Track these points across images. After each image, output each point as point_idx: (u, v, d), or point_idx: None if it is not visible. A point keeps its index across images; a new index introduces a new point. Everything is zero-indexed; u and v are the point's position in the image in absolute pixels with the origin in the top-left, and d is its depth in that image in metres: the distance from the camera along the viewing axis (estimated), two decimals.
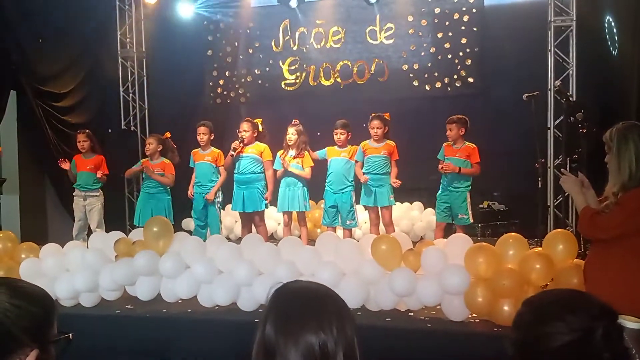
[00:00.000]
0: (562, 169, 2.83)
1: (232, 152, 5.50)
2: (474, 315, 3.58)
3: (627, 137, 2.52)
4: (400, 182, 5.47)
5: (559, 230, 3.97)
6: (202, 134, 5.70)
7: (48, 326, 1.19)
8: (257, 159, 5.57)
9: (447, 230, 5.56)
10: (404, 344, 3.45)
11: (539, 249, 3.64)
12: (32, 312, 1.15)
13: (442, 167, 5.33)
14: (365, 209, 5.96)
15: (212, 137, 5.76)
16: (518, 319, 1.14)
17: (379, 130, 5.48)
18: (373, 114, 5.58)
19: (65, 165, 5.97)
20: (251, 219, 5.68)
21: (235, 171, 5.61)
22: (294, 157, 5.56)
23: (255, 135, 5.62)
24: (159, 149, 5.83)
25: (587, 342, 1.02)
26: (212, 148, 5.77)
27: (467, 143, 5.39)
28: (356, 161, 5.56)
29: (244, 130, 5.55)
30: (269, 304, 1.11)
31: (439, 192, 5.50)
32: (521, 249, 3.58)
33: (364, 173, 5.51)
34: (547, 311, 1.09)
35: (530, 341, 1.08)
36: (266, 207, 5.68)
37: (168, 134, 6.00)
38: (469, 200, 5.39)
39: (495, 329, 3.40)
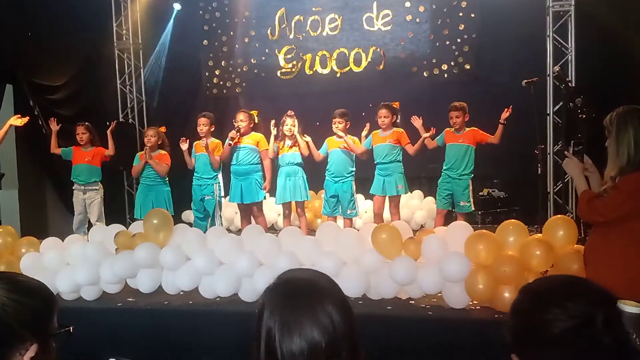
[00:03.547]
0: (565, 152, 2.83)
1: (230, 142, 5.48)
2: (474, 302, 3.59)
3: (626, 121, 2.52)
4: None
5: (559, 216, 3.97)
6: (203, 125, 5.67)
7: (48, 320, 1.18)
8: (254, 149, 5.57)
9: (448, 218, 5.57)
10: (405, 332, 3.46)
11: (539, 235, 3.64)
12: (31, 306, 1.15)
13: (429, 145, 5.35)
14: (366, 199, 5.97)
15: (212, 129, 5.72)
16: (516, 306, 1.13)
17: (385, 119, 5.47)
18: (382, 103, 5.56)
19: (53, 126, 6.11)
20: (250, 211, 5.68)
21: (233, 162, 5.59)
22: (290, 147, 5.54)
23: (252, 126, 5.61)
24: (159, 142, 5.82)
25: (587, 329, 1.00)
26: (212, 139, 5.74)
27: (468, 128, 5.39)
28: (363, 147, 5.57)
29: (241, 120, 5.53)
30: (266, 302, 1.09)
31: (441, 179, 5.50)
32: (521, 236, 3.58)
33: (375, 164, 5.54)
34: (545, 298, 1.07)
35: (528, 328, 1.07)
36: (264, 197, 5.67)
37: (163, 128, 5.98)
38: (471, 187, 5.40)
39: (496, 316, 3.40)
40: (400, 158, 5.55)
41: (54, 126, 6.13)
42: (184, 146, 5.67)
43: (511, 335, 1.11)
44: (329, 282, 1.14)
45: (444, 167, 5.48)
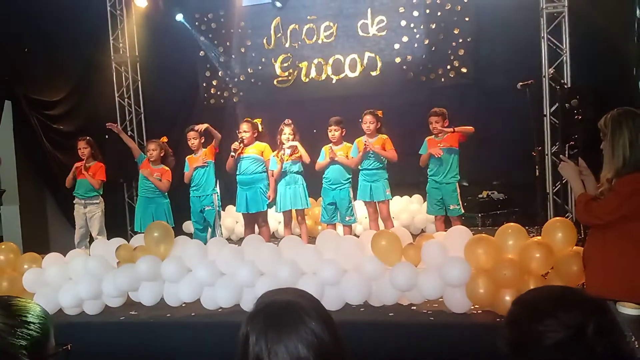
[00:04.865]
0: (560, 155, 2.84)
1: (233, 154, 5.50)
2: (476, 306, 3.60)
3: (621, 123, 2.53)
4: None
5: (558, 218, 3.98)
6: (193, 138, 5.68)
7: (45, 341, 1.19)
8: (258, 159, 5.59)
9: (448, 223, 5.57)
10: (407, 338, 3.47)
11: (538, 238, 3.64)
12: (27, 330, 1.15)
13: (436, 154, 5.34)
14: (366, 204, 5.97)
15: (202, 140, 5.72)
16: (510, 318, 1.14)
17: (371, 125, 5.51)
18: (366, 111, 5.61)
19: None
20: (254, 220, 5.70)
21: (237, 172, 5.62)
22: (290, 155, 5.56)
23: (255, 135, 5.63)
24: (161, 154, 5.83)
25: (579, 338, 1.02)
26: (203, 149, 5.75)
27: (447, 133, 5.43)
28: (351, 157, 5.57)
29: (244, 131, 5.56)
30: (249, 329, 1.10)
31: (428, 185, 5.54)
32: (520, 239, 3.59)
33: (360, 169, 5.55)
34: (538, 309, 1.09)
35: (523, 340, 1.08)
36: (269, 206, 5.68)
37: (165, 139, 6.00)
38: (458, 190, 5.44)
39: (498, 320, 3.41)
40: (386, 164, 5.58)
41: (79, 164, 6.02)
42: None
43: (507, 346, 1.12)
44: (307, 299, 1.16)
45: (429, 174, 5.51)
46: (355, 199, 5.70)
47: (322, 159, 5.65)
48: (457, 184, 5.43)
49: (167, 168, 5.81)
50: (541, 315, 1.07)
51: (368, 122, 5.52)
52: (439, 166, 5.41)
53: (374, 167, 5.53)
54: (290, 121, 5.63)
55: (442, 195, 5.43)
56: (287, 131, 5.56)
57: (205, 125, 5.70)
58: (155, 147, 5.80)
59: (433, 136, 5.48)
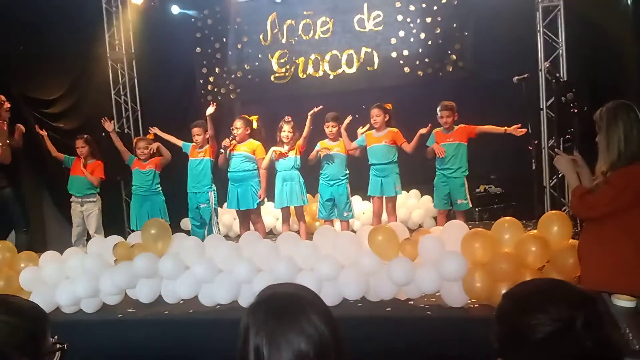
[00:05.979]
0: (556, 149, 2.86)
1: (222, 150, 5.50)
2: (473, 300, 3.61)
3: (616, 116, 2.54)
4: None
5: (553, 212, 3.98)
6: (197, 135, 5.69)
7: (41, 340, 1.19)
8: (249, 157, 5.57)
9: (449, 218, 5.58)
10: (405, 332, 3.48)
11: (535, 231, 3.65)
12: (23, 327, 1.16)
13: (439, 154, 5.34)
14: (363, 200, 5.98)
15: (207, 136, 5.73)
16: (500, 312, 1.14)
17: (378, 119, 5.50)
18: (374, 104, 5.59)
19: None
20: (248, 216, 5.69)
21: (228, 169, 5.61)
22: (287, 152, 5.55)
23: (249, 132, 5.61)
24: (151, 152, 5.84)
25: (568, 332, 1.01)
26: (206, 146, 5.75)
27: (456, 126, 5.41)
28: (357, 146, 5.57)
29: (236, 128, 5.55)
30: (250, 322, 1.09)
31: (436, 179, 5.53)
32: (517, 233, 3.60)
33: (371, 165, 5.57)
34: (528, 303, 1.08)
35: (513, 334, 1.08)
36: (261, 204, 5.67)
37: (151, 135, 6.00)
38: (466, 185, 5.43)
39: (495, 313, 3.41)
40: (397, 159, 5.57)
41: (43, 132, 6.20)
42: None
43: (497, 340, 1.12)
44: (309, 293, 1.15)
45: (438, 167, 5.50)
46: (352, 194, 5.69)
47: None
48: (465, 178, 5.42)
49: (154, 158, 5.86)
50: (530, 309, 1.06)
51: (375, 115, 5.51)
52: (447, 160, 5.39)
53: (384, 161, 5.51)
54: (290, 118, 5.62)
55: (450, 190, 5.42)
56: (286, 128, 5.55)
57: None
58: (145, 145, 5.83)
59: (441, 129, 5.47)
